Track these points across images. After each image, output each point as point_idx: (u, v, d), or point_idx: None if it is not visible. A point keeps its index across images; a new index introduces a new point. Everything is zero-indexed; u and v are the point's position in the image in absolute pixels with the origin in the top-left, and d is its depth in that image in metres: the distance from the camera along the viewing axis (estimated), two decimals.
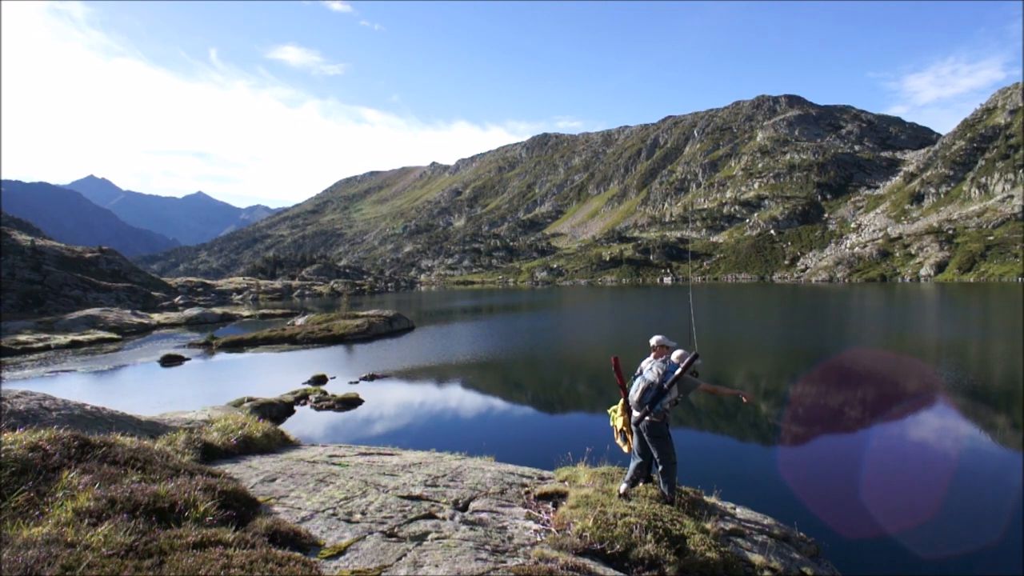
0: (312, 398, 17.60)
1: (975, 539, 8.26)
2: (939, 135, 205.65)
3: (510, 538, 4.92)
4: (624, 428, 6.31)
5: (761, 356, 25.99)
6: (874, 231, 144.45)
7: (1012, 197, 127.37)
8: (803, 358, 24.70)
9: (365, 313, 40.35)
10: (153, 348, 32.75)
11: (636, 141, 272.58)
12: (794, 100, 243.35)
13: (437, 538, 4.65)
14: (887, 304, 56.19)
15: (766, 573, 5.27)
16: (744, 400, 6.37)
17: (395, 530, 4.76)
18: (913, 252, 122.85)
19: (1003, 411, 15.68)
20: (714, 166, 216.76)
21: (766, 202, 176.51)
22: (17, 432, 5.12)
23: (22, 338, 33.63)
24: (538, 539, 5.00)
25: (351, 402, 17.37)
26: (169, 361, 26.67)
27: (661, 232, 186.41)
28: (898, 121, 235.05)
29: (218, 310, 59.04)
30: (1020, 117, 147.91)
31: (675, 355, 6.22)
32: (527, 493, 6.36)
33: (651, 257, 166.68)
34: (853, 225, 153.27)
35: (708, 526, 5.69)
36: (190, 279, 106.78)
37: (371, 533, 4.68)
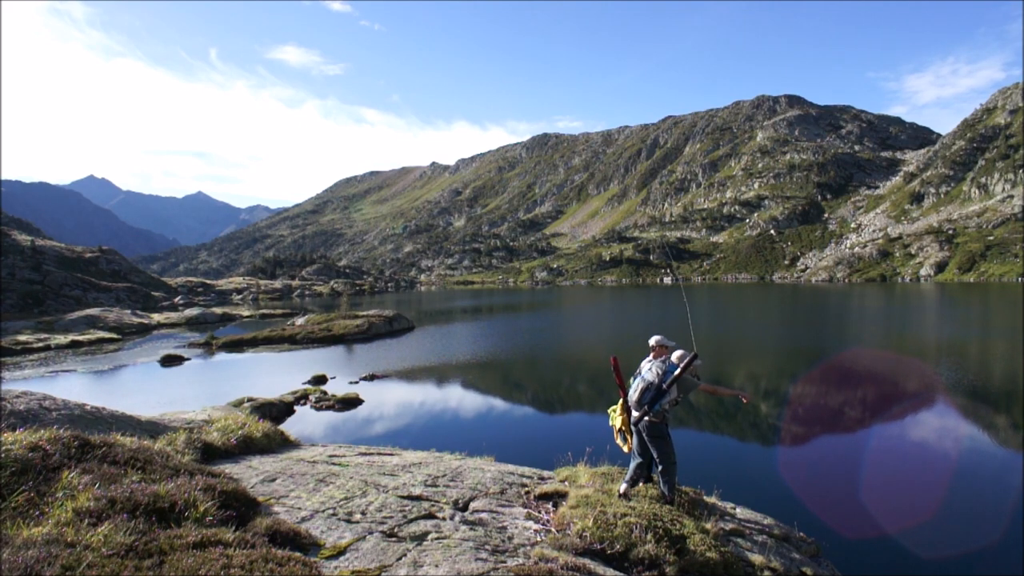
0: (312, 398, 17.60)
1: (975, 539, 8.26)
2: (939, 135, 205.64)
3: (510, 538, 4.92)
4: (623, 428, 6.31)
5: (761, 356, 25.98)
6: (874, 231, 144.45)
7: (1012, 197, 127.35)
8: (803, 358, 24.70)
9: (365, 313, 40.35)
10: (153, 348, 32.75)
11: (636, 141, 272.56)
12: (794, 100, 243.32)
13: (437, 538, 4.65)
14: (887, 304, 56.19)
15: (766, 573, 5.27)
16: (744, 401, 6.37)
17: (395, 530, 4.76)
18: (913, 252, 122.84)
19: (1003, 411, 15.68)
20: (714, 166, 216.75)
21: (766, 202, 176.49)
22: (17, 432, 5.12)
23: (22, 338, 33.63)
24: (538, 539, 5.00)
25: (351, 402, 17.37)
26: (169, 361, 26.67)
27: (661, 232, 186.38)
28: (898, 121, 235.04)
29: (218, 310, 59.04)
30: (1020, 117, 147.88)
31: (675, 355, 6.22)
32: (527, 493, 6.36)
33: (651, 257, 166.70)
34: (853, 225, 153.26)
35: (708, 526, 5.69)
36: (190, 279, 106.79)
37: (371, 533, 4.68)
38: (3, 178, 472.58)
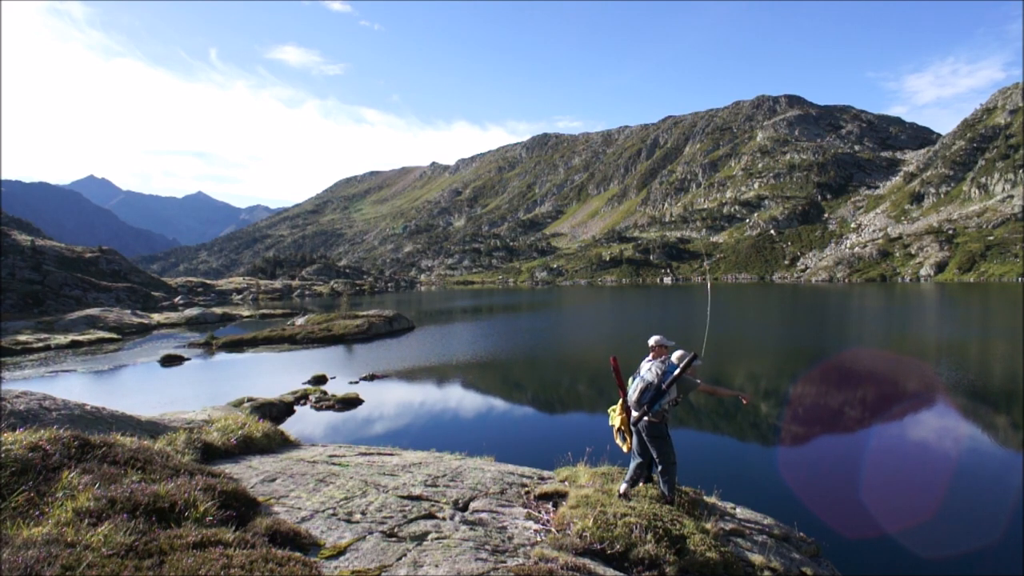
0: (312, 398, 17.60)
1: (975, 539, 8.26)
2: (939, 135, 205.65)
3: (510, 538, 4.92)
4: (622, 427, 6.31)
5: (761, 356, 25.98)
6: (874, 231, 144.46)
7: (1012, 197, 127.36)
8: (803, 358, 24.70)
9: (365, 313, 40.35)
10: (153, 348, 32.75)
11: (636, 141, 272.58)
12: (794, 100, 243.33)
13: (437, 538, 4.65)
14: (887, 304, 56.19)
15: (766, 573, 5.27)
16: (743, 402, 6.37)
17: (395, 530, 4.76)
18: (913, 252, 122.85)
19: (1003, 411, 15.68)
20: (714, 166, 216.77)
21: (766, 202, 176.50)
22: (17, 432, 5.12)
23: (22, 338, 33.63)
24: (538, 539, 5.00)
25: (351, 402, 17.37)
26: (169, 361, 26.67)
27: (661, 232, 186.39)
28: (898, 121, 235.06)
29: (218, 310, 59.04)
30: (1020, 117, 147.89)
31: (675, 356, 6.22)
32: (527, 493, 6.36)
33: (651, 257, 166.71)
34: (853, 225, 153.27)
35: (708, 526, 5.69)
36: (190, 279, 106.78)
37: (371, 533, 4.68)
38: (3, 178, 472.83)
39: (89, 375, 24.13)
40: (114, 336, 38.34)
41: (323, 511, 5.14)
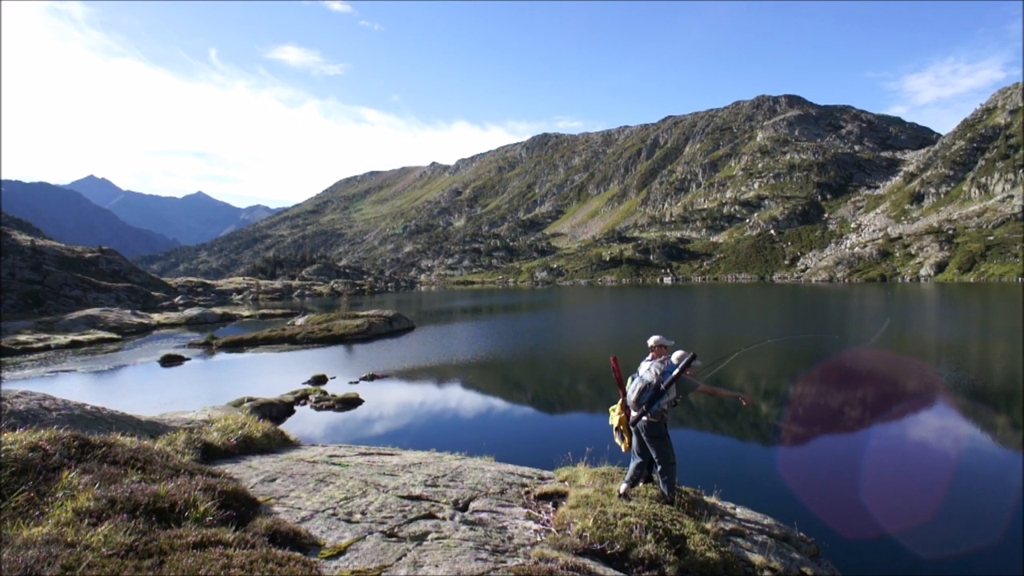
0: (312, 398, 17.60)
1: (975, 539, 8.26)
2: (939, 135, 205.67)
3: (510, 538, 4.92)
4: (620, 426, 6.30)
5: (761, 356, 25.98)
6: (874, 231, 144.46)
7: (1012, 197, 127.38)
8: (803, 358, 24.70)
9: (365, 313, 40.35)
10: (153, 348, 32.75)
11: (636, 141, 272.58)
12: (794, 100, 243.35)
13: (437, 538, 4.65)
14: (887, 304, 56.19)
15: (766, 573, 5.27)
16: (743, 403, 6.37)
17: (395, 530, 4.76)
18: (913, 252, 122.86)
19: (1003, 411, 15.68)
20: (714, 166, 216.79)
21: (766, 202, 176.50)
22: (17, 432, 5.12)
23: (22, 338, 33.63)
24: (538, 539, 5.00)
25: (351, 402, 17.37)
26: (169, 361, 26.67)
27: (661, 232, 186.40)
28: (898, 121, 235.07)
29: (218, 310, 59.04)
30: (1020, 117, 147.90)
31: (675, 356, 6.22)
32: (527, 493, 6.36)
33: (651, 257, 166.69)
34: (853, 225, 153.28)
35: (708, 526, 5.69)
36: (190, 279, 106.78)
37: (371, 533, 4.68)
38: (3, 178, 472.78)
39: (89, 375, 24.13)
40: (114, 336, 38.34)
41: (323, 511, 5.14)
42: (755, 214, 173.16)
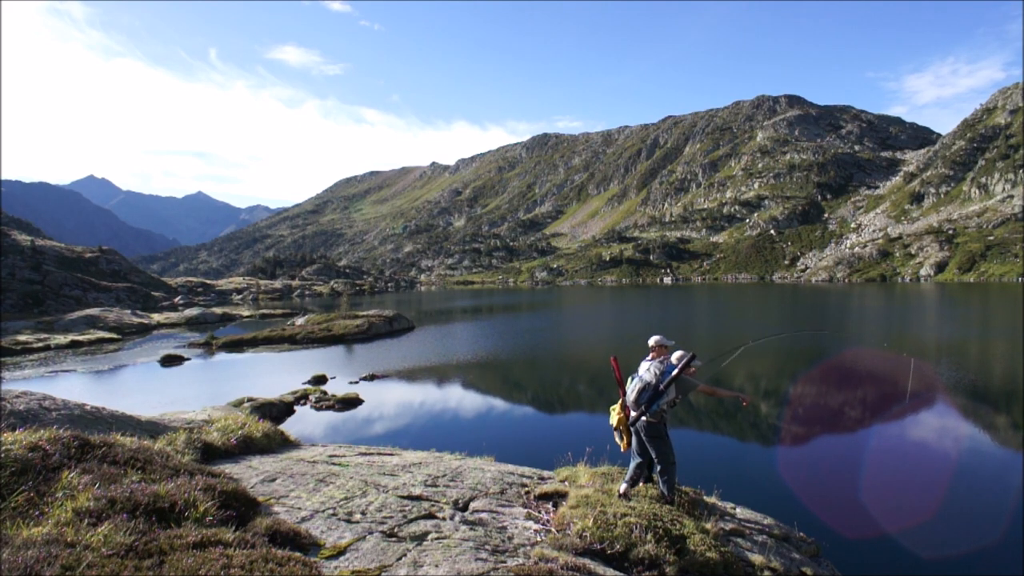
0: (312, 398, 17.60)
1: (975, 539, 8.26)
2: (939, 135, 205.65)
3: (510, 538, 4.92)
4: (619, 426, 6.30)
5: (761, 356, 25.98)
6: (874, 231, 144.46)
7: (1012, 197, 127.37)
8: (803, 358, 24.70)
9: (365, 313, 40.35)
10: (153, 348, 32.74)
11: (636, 141, 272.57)
12: (794, 100, 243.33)
13: (437, 538, 4.65)
14: (887, 304, 56.19)
15: (766, 573, 5.27)
16: (743, 403, 6.36)
17: (395, 530, 4.76)
18: (913, 252, 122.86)
19: (1003, 411, 15.68)
20: (714, 166, 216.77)
21: (766, 202, 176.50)
22: (17, 432, 5.12)
23: (22, 338, 33.63)
24: (538, 539, 5.00)
25: (351, 402, 17.37)
26: (169, 361, 26.67)
27: (661, 232, 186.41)
28: (898, 121, 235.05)
29: (218, 310, 59.04)
30: (1020, 117, 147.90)
31: (674, 356, 6.21)
32: (527, 493, 6.36)
33: (651, 257, 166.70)
34: (853, 225, 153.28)
35: (708, 526, 5.69)
36: (190, 279, 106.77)
37: (371, 533, 4.68)
38: (3, 178, 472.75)
39: (89, 375, 24.13)
40: (114, 336, 38.34)
41: (323, 511, 5.14)
42: (755, 214, 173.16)
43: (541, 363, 25.46)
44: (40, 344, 32.63)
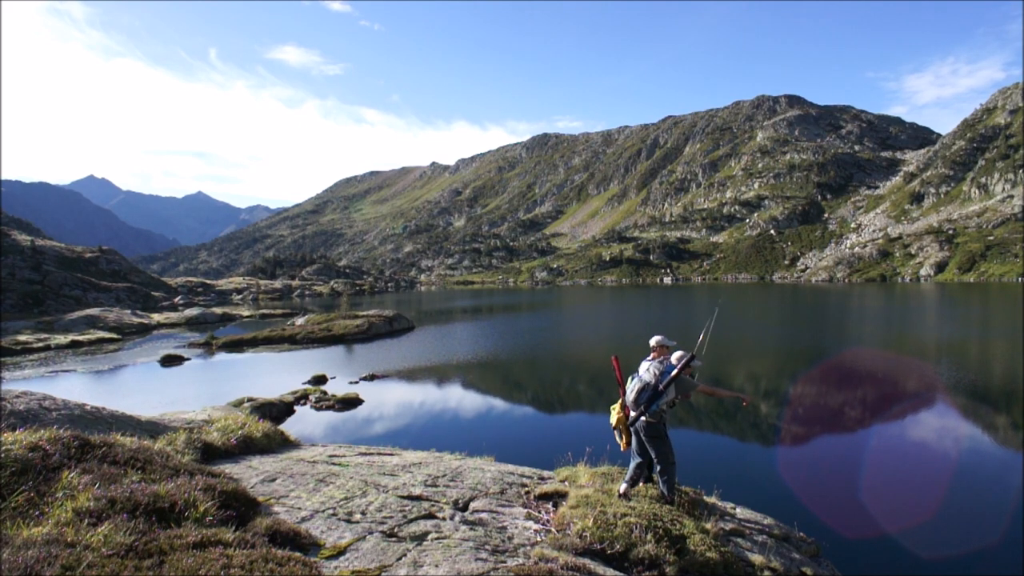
0: (312, 398, 17.60)
1: (975, 539, 8.26)
2: (939, 135, 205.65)
3: (510, 538, 4.92)
4: (619, 425, 6.30)
5: (761, 356, 25.98)
6: (874, 231, 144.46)
7: (1012, 197, 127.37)
8: (803, 358, 24.70)
9: (365, 313, 40.35)
10: (153, 348, 32.75)
11: (636, 141, 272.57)
12: (794, 100, 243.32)
13: (437, 538, 4.65)
14: (887, 304, 56.19)
15: (766, 573, 5.27)
16: (744, 403, 6.36)
17: (395, 530, 4.76)
18: (913, 252, 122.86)
19: (1003, 411, 15.68)
20: (714, 166, 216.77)
21: (766, 202, 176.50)
22: (17, 432, 5.12)
23: (22, 338, 33.63)
24: (538, 539, 5.00)
25: (351, 402, 17.37)
26: (169, 361, 26.67)
27: (661, 232, 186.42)
28: (898, 121, 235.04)
29: (218, 310, 59.04)
30: (1020, 117, 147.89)
31: (674, 356, 6.21)
32: (527, 493, 6.36)
33: (651, 257, 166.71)
34: (853, 225, 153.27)
35: (708, 526, 5.69)
36: (190, 279, 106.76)
37: (371, 533, 4.68)
38: (3, 178, 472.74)
39: (89, 375, 24.13)
40: (114, 336, 38.34)
41: (323, 511, 5.14)
42: (755, 214, 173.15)
43: (541, 363, 25.46)
44: (40, 344, 32.63)
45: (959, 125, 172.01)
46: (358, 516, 5.04)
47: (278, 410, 15.95)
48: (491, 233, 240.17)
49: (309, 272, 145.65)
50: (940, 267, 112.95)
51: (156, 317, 50.30)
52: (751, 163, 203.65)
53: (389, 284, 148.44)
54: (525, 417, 16.64)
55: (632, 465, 6.34)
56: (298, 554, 4.00)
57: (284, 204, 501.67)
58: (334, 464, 7.04)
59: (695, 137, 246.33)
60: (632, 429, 6.22)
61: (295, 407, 16.92)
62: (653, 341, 6.41)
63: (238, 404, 15.19)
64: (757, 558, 5.46)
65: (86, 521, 3.77)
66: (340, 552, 4.31)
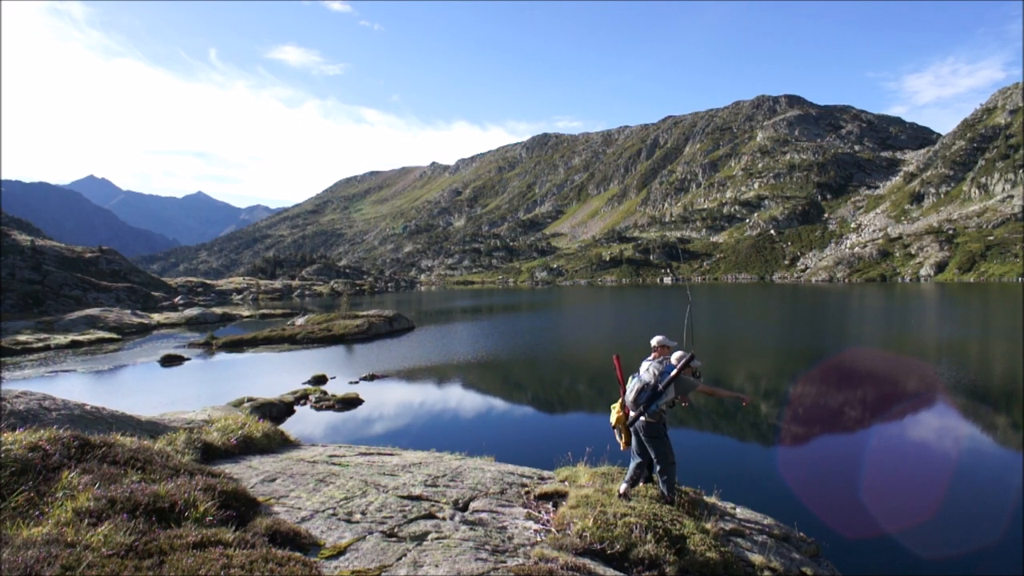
0: (312, 398, 17.60)
1: (975, 539, 8.26)
2: (939, 135, 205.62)
3: (510, 538, 4.92)
4: (619, 425, 6.30)
5: (761, 356, 25.98)
6: (874, 231, 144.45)
7: (1012, 197, 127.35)
8: (803, 358, 24.70)
9: (365, 313, 40.35)
10: (153, 348, 32.75)
11: (636, 141, 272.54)
12: (794, 100, 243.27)
13: (437, 538, 4.65)
14: (887, 304, 56.19)
15: (766, 573, 5.27)
16: (743, 403, 6.36)
17: (395, 530, 4.76)
18: (913, 252, 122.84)
19: (1003, 411, 15.68)
20: (714, 166, 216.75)
21: (766, 202, 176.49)
22: (17, 432, 5.12)
23: (22, 338, 33.63)
24: (538, 539, 5.00)
25: (351, 402, 17.37)
26: (169, 361, 26.67)
27: (661, 232, 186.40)
28: (898, 121, 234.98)
29: (218, 310, 59.04)
30: (1020, 117, 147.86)
31: (674, 356, 6.21)
32: (527, 493, 6.36)
33: (651, 257, 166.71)
34: (853, 225, 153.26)
35: (708, 526, 5.69)
36: (190, 279, 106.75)
37: (371, 533, 4.68)
38: (3, 178, 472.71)
39: (89, 375, 24.13)
40: (114, 336, 38.34)
41: (323, 511, 5.14)
42: (755, 214, 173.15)
43: (541, 363, 25.46)
44: (40, 344, 32.63)
45: (959, 125, 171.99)
46: (358, 516, 5.04)
47: (278, 410, 15.95)
48: (491, 233, 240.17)
49: (309, 272, 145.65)
50: (940, 267, 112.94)
51: (156, 317, 50.30)
52: (751, 163, 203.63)
53: (389, 284, 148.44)
54: (525, 417, 16.64)
55: (632, 465, 6.34)
56: (298, 554, 4.00)
57: (284, 204, 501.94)
58: (334, 464, 7.03)
59: (695, 137, 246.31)
60: (632, 429, 6.22)
61: (295, 407, 16.92)
62: (654, 341, 6.41)
63: (238, 404, 15.19)
64: (757, 558, 5.46)
65: (86, 521, 3.77)
66: (340, 552, 4.31)
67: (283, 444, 8.76)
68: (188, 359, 27.61)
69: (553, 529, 5.25)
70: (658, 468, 6.11)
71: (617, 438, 6.41)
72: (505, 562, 4.34)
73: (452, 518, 5.20)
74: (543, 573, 4.16)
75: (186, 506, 4.27)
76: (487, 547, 4.57)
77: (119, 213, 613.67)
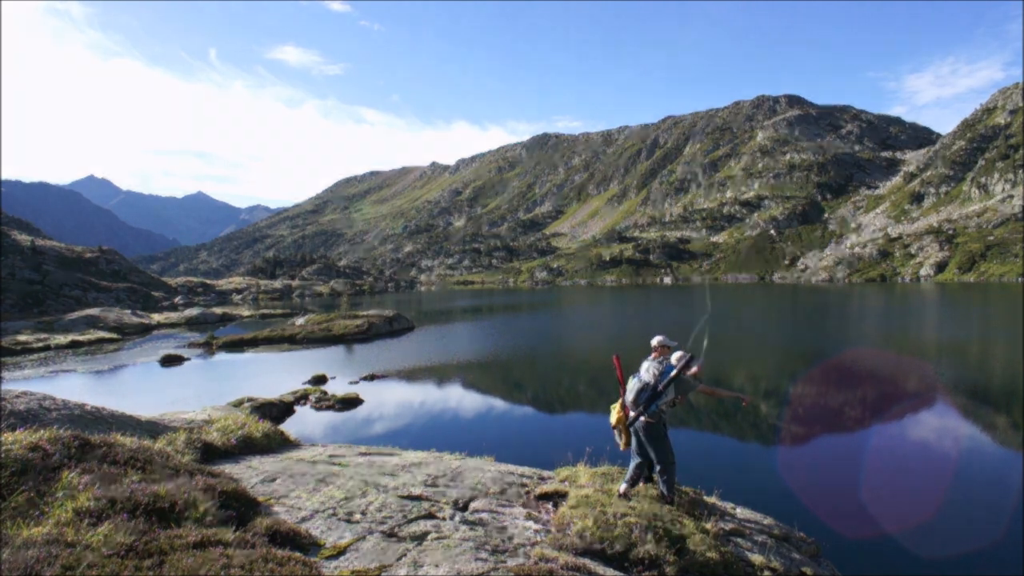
0: (312, 398, 17.60)
1: (975, 539, 8.26)
2: (939, 135, 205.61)
3: (510, 538, 4.92)
4: (619, 425, 6.30)
5: (761, 356, 25.98)
6: (874, 231, 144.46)
7: (1012, 197, 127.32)
8: (803, 358, 24.70)
9: (365, 313, 40.35)
10: (153, 348, 32.74)
11: (636, 141, 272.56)
12: (794, 100, 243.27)
13: (437, 538, 4.65)
14: (887, 304, 56.19)
15: (766, 573, 5.27)
16: (743, 403, 6.36)
17: (395, 530, 4.76)
18: (913, 252, 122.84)
19: (1003, 411, 15.68)
20: (714, 166, 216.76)
21: (766, 202, 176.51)
22: (17, 432, 5.12)
23: (22, 338, 33.63)
24: (538, 539, 5.00)
25: (351, 402, 17.36)
26: (169, 361, 26.66)
27: (661, 232, 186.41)
28: (898, 121, 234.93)
29: (218, 310, 59.02)
30: (1020, 117, 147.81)
31: (674, 357, 6.21)
32: (527, 493, 6.36)
33: (651, 257, 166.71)
34: (853, 225, 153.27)
35: (708, 526, 5.69)
36: (190, 279, 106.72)
37: (371, 533, 4.68)
38: (3, 178, 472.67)
39: (89, 375, 24.13)
40: (114, 336, 38.34)
41: (323, 511, 5.14)
42: (755, 214, 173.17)
43: (541, 363, 25.46)
44: (40, 344, 32.63)
45: (959, 125, 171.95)
46: (358, 516, 5.04)
47: (278, 410, 15.95)
48: (491, 233, 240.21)
49: (309, 272, 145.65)
50: (940, 267, 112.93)
51: (156, 317, 50.30)
52: (751, 163, 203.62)
53: (389, 284, 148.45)
54: (525, 417, 16.64)
55: (632, 465, 6.34)
56: (298, 554, 4.00)
57: (284, 204, 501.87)
58: (334, 464, 7.03)
59: (695, 137, 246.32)
60: (632, 429, 6.22)
61: (295, 407, 16.92)
62: (655, 341, 6.41)
63: (238, 404, 15.19)
64: (757, 558, 5.46)
65: (86, 521, 3.77)
66: (340, 552, 4.31)
67: (283, 444, 8.76)
68: (188, 359, 27.61)
69: (553, 529, 5.25)
70: (658, 468, 6.12)
71: (617, 438, 6.41)
72: (505, 562, 4.34)
73: (452, 518, 5.20)
74: (543, 573, 4.16)
75: (186, 506, 4.27)
76: (487, 547, 4.57)
77: (119, 213, 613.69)
